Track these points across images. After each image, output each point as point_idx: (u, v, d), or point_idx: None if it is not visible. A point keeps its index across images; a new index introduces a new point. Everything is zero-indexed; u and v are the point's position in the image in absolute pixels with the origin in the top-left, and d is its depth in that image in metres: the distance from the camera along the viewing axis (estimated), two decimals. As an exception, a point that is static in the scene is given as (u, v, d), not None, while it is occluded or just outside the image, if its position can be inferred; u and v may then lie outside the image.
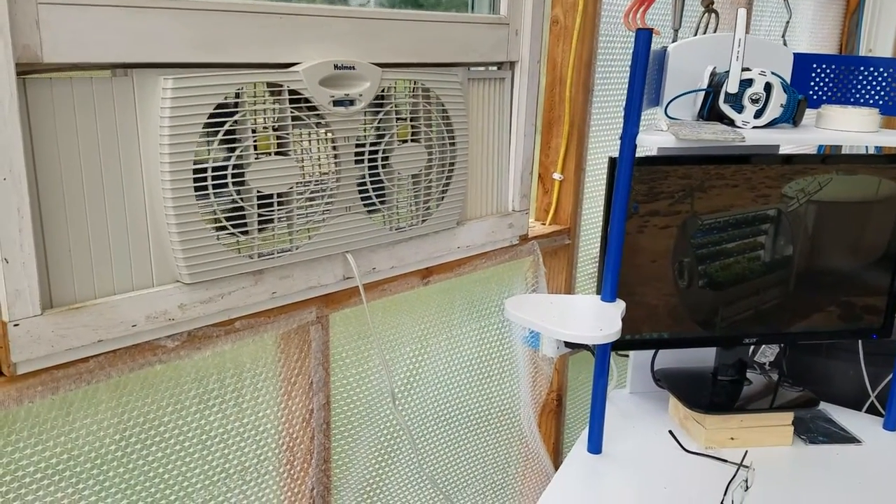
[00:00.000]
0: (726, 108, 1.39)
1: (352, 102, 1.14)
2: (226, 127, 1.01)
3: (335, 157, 1.14)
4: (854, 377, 1.79)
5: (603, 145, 1.84)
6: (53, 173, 0.90)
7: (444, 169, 1.33)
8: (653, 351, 1.68)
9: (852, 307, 1.60)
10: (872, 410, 1.75)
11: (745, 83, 1.37)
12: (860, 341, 1.77)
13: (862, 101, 1.55)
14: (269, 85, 1.05)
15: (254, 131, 1.04)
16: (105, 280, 0.97)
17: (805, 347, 1.85)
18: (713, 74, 1.42)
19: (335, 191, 1.16)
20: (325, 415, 1.30)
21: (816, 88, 1.59)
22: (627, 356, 1.75)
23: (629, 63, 1.27)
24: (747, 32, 1.36)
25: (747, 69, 1.37)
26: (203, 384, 1.15)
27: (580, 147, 1.71)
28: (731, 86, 1.37)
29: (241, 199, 1.05)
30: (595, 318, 1.35)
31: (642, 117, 1.30)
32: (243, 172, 1.03)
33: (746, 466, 1.44)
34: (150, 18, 0.93)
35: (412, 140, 1.26)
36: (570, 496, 1.37)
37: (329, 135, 1.13)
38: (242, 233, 1.06)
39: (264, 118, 1.06)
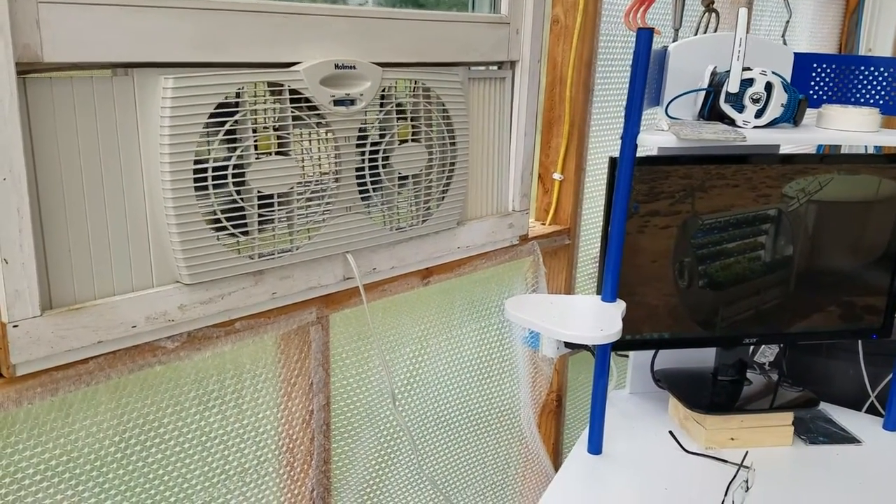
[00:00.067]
0: (727, 108, 1.39)
1: (352, 102, 1.14)
2: (226, 127, 1.00)
3: (336, 156, 1.14)
4: (854, 377, 1.79)
5: (603, 145, 1.84)
6: (53, 173, 0.90)
7: (445, 169, 1.32)
8: (653, 351, 1.68)
9: (852, 307, 1.60)
10: (872, 410, 1.75)
11: (746, 83, 1.37)
12: (860, 341, 1.77)
13: (862, 100, 1.55)
14: (270, 84, 1.05)
15: (254, 131, 1.03)
16: (105, 281, 0.96)
17: (805, 347, 1.85)
18: (714, 74, 1.42)
19: (335, 191, 1.16)
20: (325, 416, 1.29)
21: (817, 88, 1.59)
22: (627, 356, 1.74)
23: (629, 63, 1.27)
24: (748, 32, 1.36)
25: (748, 69, 1.37)
26: (203, 385, 1.15)
27: (580, 147, 1.71)
28: (732, 85, 1.37)
29: (242, 199, 1.04)
30: (595, 318, 1.35)
31: (643, 117, 1.30)
32: (244, 172, 1.03)
33: (747, 467, 1.44)
34: (151, 18, 0.93)
35: (412, 140, 1.26)
36: (570, 497, 1.36)
37: (329, 134, 1.13)
38: (243, 233, 1.06)
39: (265, 118, 1.05)
